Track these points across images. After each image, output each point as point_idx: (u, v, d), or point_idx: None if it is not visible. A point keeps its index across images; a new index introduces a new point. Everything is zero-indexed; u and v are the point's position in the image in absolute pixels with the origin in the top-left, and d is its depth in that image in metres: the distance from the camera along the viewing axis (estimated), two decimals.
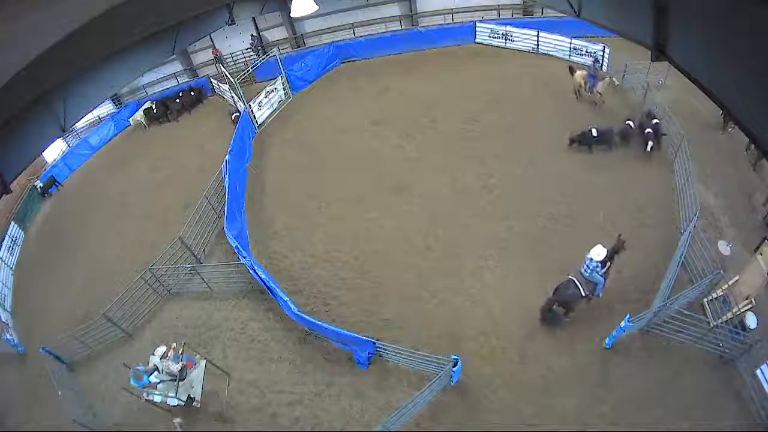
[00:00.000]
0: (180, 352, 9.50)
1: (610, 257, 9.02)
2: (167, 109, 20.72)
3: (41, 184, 18.53)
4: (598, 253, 8.66)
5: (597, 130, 13.07)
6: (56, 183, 18.90)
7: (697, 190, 10.50)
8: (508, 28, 18.31)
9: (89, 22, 4.84)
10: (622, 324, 8.36)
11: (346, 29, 21.51)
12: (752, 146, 11.46)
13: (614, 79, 13.74)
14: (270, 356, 10.54)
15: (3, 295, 14.31)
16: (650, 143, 12.26)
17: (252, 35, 22.03)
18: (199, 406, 9.53)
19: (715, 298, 9.03)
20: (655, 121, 12.44)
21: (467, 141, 14.46)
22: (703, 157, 11.83)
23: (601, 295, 9.28)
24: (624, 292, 9.80)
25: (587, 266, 8.81)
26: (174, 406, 9.26)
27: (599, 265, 8.74)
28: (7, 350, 12.54)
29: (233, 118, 16.70)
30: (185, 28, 11.11)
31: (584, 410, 8.34)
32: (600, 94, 14.18)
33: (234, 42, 22.38)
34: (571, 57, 16.86)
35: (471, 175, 13.30)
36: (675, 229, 10.72)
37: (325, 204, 13.72)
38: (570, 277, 9.04)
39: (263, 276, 10.81)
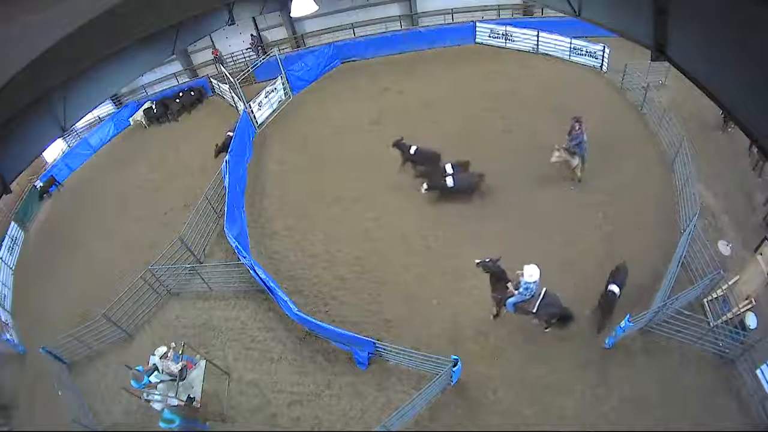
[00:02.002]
0: (180, 352, 9.50)
1: (498, 279, 9.08)
2: (167, 109, 20.72)
3: (41, 184, 18.52)
4: (531, 274, 8.43)
5: (418, 150, 12.85)
6: (56, 183, 18.89)
7: (697, 190, 10.50)
8: (508, 28, 18.28)
9: (89, 22, 4.83)
10: (622, 324, 8.36)
11: (346, 29, 21.50)
12: (754, 148, 11.48)
13: (579, 165, 11.58)
14: (270, 356, 10.54)
15: (3, 295, 14.31)
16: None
17: (252, 35, 22.03)
18: (199, 406, 9.52)
19: (715, 298, 9.03)
20: (611, 288, 9.20)
21: (467, 141, 14.45)
22: (703, 157, 11.82)
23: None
24: (624, 292, 9.80)
25: (526, 288, 8.53)
26: (174, 406, 9.26)
27: (536, 283, 8.53)
28: (7, 350, 12.54)
29: (226, 137, 16.19)
30: (185, 28, 11.11)
31: (584, 410, 8.34)
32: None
33: (234, 42, 22.37)
34: (571, 57, 16.87)
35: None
36: (675, 229, 10.72)
37: (325, 204, 13.71)
38: (543, 303, 8.75)
39: (263, 276, 10.80)
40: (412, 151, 13.03)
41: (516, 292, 8.77)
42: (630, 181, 12.07)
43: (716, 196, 11.30)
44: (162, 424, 9.18)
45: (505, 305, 9.14)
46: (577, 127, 11.41)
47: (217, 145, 16.49)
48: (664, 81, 14.55)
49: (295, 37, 22.19)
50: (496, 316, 9.80)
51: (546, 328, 9.34)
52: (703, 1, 2.91)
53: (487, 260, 9.07)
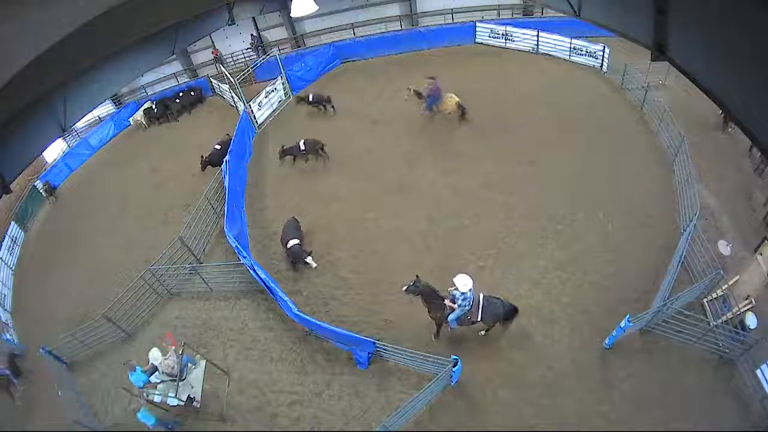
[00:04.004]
0: (180, 352, 9.50)
1: (431, 298, 9.03)
2: (167, 109, 20.74)
3: (41, 185, 18.51)
4: (465, 283, 8.45)
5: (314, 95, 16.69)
6: (53, 188, 18.73)
7: (697, 190, 10.49)
8: (508, 28, 18.31)
9: (89, 22, 4.83)
10: (622, 324, 8.35)
11: (346, 29, 21.52)
12: (754, 149, 11.47)
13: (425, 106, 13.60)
14: (270, 356, 10.53)
15: (3, 295, 14.31)
16: None
17: (252, 35, 22.04)
18: (199, 406, 9.52)
19: (715, 298, 9.03)
20: None
21: (467, 141, 14.46)
22: (703, 157, 11.83)
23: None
24: (624, 292, 9.80)
25: (464, 299, 8.57)
26: (174, 406, 9.26)
27: (472, 290, 8.57)
28: (7, 350, 12.52)
29: (213, 150, 15.69)
30: (185, 28, 11.13)
31: (584, 410, 8.33)
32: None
33: (234, 42, 22.40)
34: (571, 57, 16.88)
35: (470, 174, 13.29)
36: (675, 229, 10.71)
37: (325, 204, 13.70)
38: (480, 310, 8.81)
39: (263, 276, 10.80)
40: (311, 98, 17.06)
41: (456, 306, 8.70)
42: (630, 181, 12.07)
43: (716, 196, 11.30)
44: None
45: (447, 323, 9.07)
46: (431, 85, 14.42)
47: (203, 157, 15.56)
48: (664, 81, 14.55)
49: (295, 37, 22.19)
50: (436, 335, 9.70)
51: (487, 330, 9.38)
52: (704, 2, 2.91)
53: (411, 283, 8.99)
